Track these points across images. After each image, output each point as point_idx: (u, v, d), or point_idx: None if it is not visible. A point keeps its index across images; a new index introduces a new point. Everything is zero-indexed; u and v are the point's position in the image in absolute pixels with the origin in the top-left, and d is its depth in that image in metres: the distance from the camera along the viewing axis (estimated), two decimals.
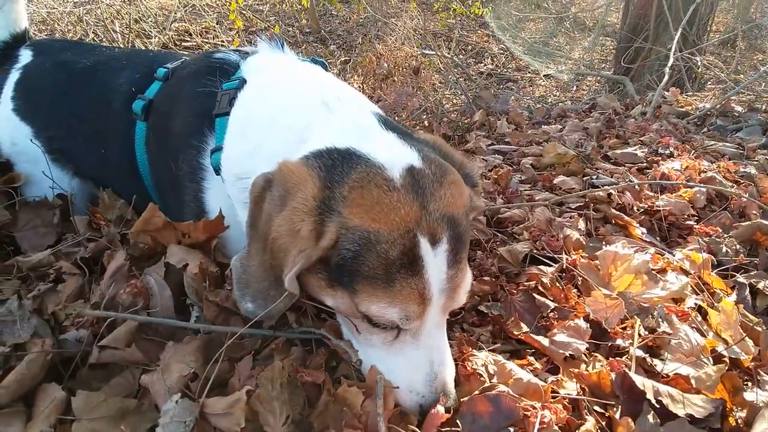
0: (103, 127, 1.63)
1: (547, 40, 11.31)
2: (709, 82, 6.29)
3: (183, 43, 6.93)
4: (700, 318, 1.53)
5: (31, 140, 1.68)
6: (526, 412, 1.03)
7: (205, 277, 1.23)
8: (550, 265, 1.72)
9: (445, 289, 1.01)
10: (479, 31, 10.44)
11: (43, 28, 5.99)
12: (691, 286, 1.64)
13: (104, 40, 5.93)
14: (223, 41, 7.10)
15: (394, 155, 1.07)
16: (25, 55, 1.80)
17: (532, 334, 1.34)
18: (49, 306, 1.22)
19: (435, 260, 0.99)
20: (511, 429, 1.03)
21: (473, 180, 1.22)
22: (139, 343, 1.11)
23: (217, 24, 7.57)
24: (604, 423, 1.09)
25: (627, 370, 1.17)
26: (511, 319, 1.39)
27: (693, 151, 2.92)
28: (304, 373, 1.07)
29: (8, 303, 1.19)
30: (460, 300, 1.07)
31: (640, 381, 1.13)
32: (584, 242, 1.89)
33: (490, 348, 1.31)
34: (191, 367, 1.02)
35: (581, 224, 2.02)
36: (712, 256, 1.87)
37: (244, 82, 1.38)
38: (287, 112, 1.25)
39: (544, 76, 8.91)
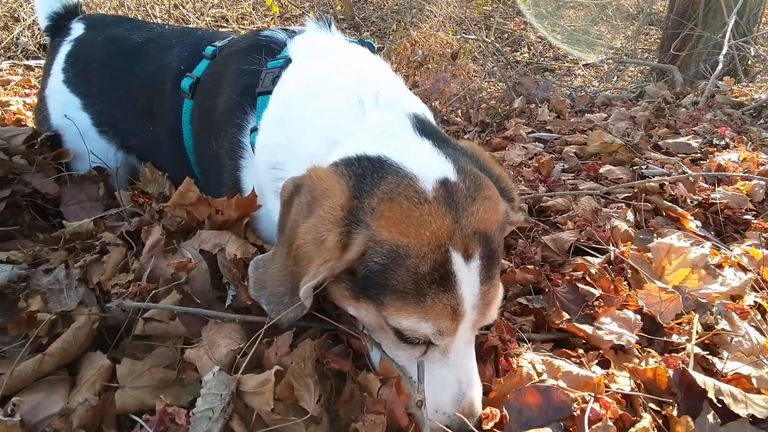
0: (152, 104, 1.63)
1: (587, 28, 10.91)
2: (760, 73, 5.94)
3: (220, 29, 6.99)
4: (759, 317, 1.44)
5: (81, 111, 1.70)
6: (576, 405, 0.98)
7: (239, 268, 1.19)
8: (596, 257, 1.65)
9: (477, 305, 0.96)
10: (516, 18, 10.17)
11: (86, 11, 6.14)
12: (752, 283, 1.54)
13: None
14: (258, 27, 7.13)
15: (428, 166, 1.01)
16: (77, 28, 1.81)
17: (575, 323, 1.27)
18: (95, 276, 1.24)
19: (467, 276, 0.94)
20: (561, 423, 0.99)
21: (510, 195, 1.15)
22: (181, 316, 1.11)
23: (253, 10, 7.61)
24: (660, 421, 1.03)
25: (685, 367, 1.10)
26: (552, 310, 1.33)
27: (750, 142, 2.76)
28: (331, 360, 1.04)
29: (55, 272, 1.21)
30: (491, 317, 1.02)
31: (701, 379, 1.06)
32: (633, 234, 1.80)
33: (531, 337, 1.26)
34: (238, 343, 1.01)
35: (629, 215, 1.93)
36: None
37: (289, 61, 1.35)
38: (323, 107, 1.20)
39: (583, 66, 8.60)
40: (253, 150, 1.29)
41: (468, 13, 8.77)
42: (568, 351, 1.23)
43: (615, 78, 8.09)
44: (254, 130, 1.29)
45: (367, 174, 0.99)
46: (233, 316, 1.08)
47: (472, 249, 0.94)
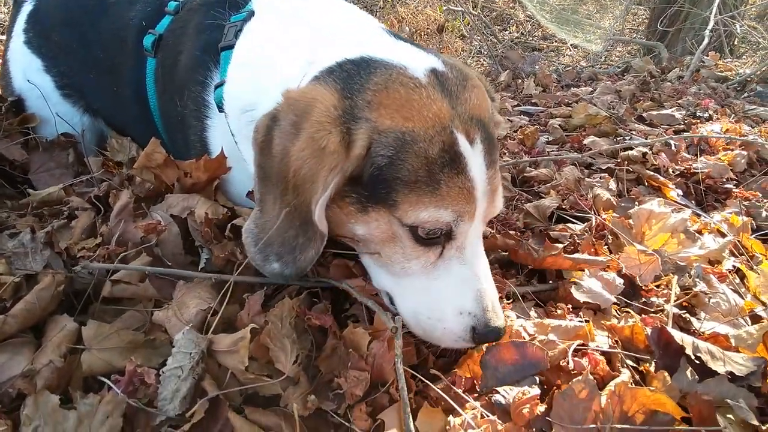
0: (115, 63, 1.56)
1: (576, 8, 10.83)
2: (747, 51, 5.96)
3: None
4: (738, 280, 1.45)
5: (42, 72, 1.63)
6: (559, 360, 0.97)
7: (211, 227, 1.16)
8: (578, 224, 1.64)
9: (486, 191, 0.95)
10: None
11: None
12: (730, 248, 1.55)
13: None
14: None
15: (414, 58, 1.00)
16: None
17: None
18: (62, 241, 1.19)
19: (475, 159, 0.92)
20: (537, 378, 0.98)
21: (491, 94, 1.14)
22: (151, 278, 1.07)
23: None
24: (637, 377, 1.03)
25: (663, 325, 1.10)
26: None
27: (733, 115, 2.76)
28: (312, 316, 1.01)
29: (21, 236, 1.16)
30: (498, 205, 1.01)
31: (679, 336, 1.06)
32: (615, 202, 1.80)
33: (520, 288, 1.25)
34: (208, 303, 0.98)
35: (612, 184, 1.93)
36: (752, 220, 1.77)
37: (251, 14, 1.30)
38: (292, 37, 1.17)
39: (571, 45, 8.56)
40: (219, 108, 1.24)
41: None
42: (553, 307, 1.22)
43: (603, 58, 8.07)
44: (219, 85, 1.23)
45: (353, 74, 0.96)
46: (203, 276, 1.05)
47: (473, 133, 0.93)
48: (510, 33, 8.98)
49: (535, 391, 0.94)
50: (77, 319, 1.02)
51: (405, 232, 0.94)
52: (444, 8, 6.11)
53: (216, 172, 1.23)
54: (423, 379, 0.97)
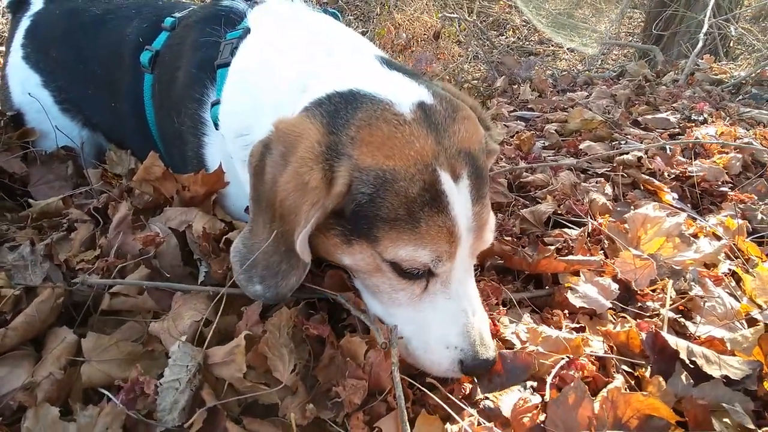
0: (113, 78, 1.58)
1: (571, 12, 10.89)
2: (742, 54, 5.99)
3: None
4: (734, 283, 1.46)
5: (41, 88, 1.65)
6: (552, 368, 0.98)
7: (209, 241, 1.17)
8: (574, 229, 1.65)
9: (472, 227, 0.94)
10: (501, 2, 10.11)
11: None
12: (725, 252, 1.56)
13: None
14: None
15: (402, 92, 0.99)
16: (36, 3, 1.76)
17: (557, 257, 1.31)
18: (62, 254, 1.20)
19: (458, 197, 0.91)
20: (532, 383, 0.99)
21: (486, 123, 1.13)
22: (150, 291, 1.08)
23: None
24: (633, 382, 1.04)
25: (658, 329, 1.11)
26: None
27: (728, 118, 2.78)
28: (310, 326, 1.02)
29: (20, 248, 1.17)
30: (487, 239, 1.00)
31: (673, 340, 1.07)
32: (611, 207, 1.81)
33: (516, 294, 1.26)
34: (202, 314, 0.99)
35: (608, 189, 1.94)
36: (747, 223, 1.79)
37: (247, 31, 1.31)
38: (286, 61, 1.17)
39: (567, 49, 8.60)
40: (215, 126, 1.25)
41: None
42: (549, 313, 1.23)
43: (599, 62, 8.11)
44: (215, 104, 1.25)
45: (340, 108, 0.96)
46: (200, 288, 1.06)
47: (459, 168, 0.92)
48: (507, 38, 9.03)
49: (536, 399, 0.95)
50: (77, 330, 1.03)
51: (387, 266, 0.95)
52: (440, 15, 6.15)
53: (214, 186, 1.24)
54: (420, 387, 0.97)
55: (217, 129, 1.25)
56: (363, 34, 7.29)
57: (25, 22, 1.72)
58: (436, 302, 0.97)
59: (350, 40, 1.28)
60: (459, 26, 6.40)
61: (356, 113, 0.94)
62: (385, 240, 0.91)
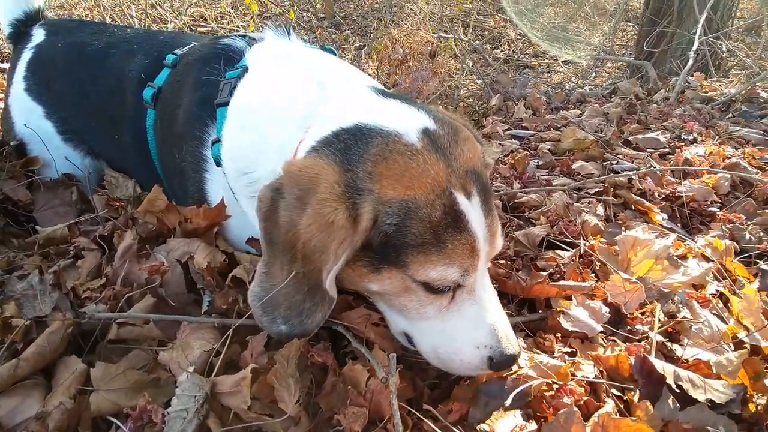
0: (115, 112, 1.62)
1: (566, 25, 11.05)
2: (734, 68, 6.10)
3: (198, 29, 6.92)
4: (721, 305, 1.50)
5: (44, 119, 1.69)
6: (545, 392, 1.02)
7: (213, 275, 1.21)
8: (567, 250, 1.70)
9: (487, 237, 1.02)
10: (496, 16, 10.26)
11: (61, 12, 6.03)
12: (713, 273, 1.60)
13: (121, 24, 5.96)
14: (237, 26, 7.08)
15: (406, 121, 1.06)
16: (38, 35, 1.79)
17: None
18: (69, 281, 1.24)
19: (474, 213, 0.99)
20: (527, 410, 1.03)
21: (479, 139, 1.22)
22: (156, 320, 1.12)
23: (232, 9, 7.55)
24: (622, 406, 1.08)
25: (646, 355, 1.15)
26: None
27: (717, 136, 2.85)
28: (314, 354, 1.06)
29: (29, 278, 1.21)
30: (498, 245, 1.08)
31: (660, 365, 1.11)
32: (603, 228, 1.85)
33: (511, 318, 1.30)
34: (211, 344, 1.03)
35: (600, 209, 1.98)
36: (735, 243, 1.83)
37: (245, 70, 1.35)
38: (284, 100, 1.22)
39: (562, 62, 8.73)
40: (216, 163, 1.29)
41: (448, 11, 8.82)
42: (542, 337, 1.27)
43: (593, 74, 8.23)
44: (216, 141, 1.29)
45: (350, 145, 1.01)
46: (208, 320, 1.10)
47: (469, 187, 1.00)
48: (502, 51, 9.15)
49: (532, 426, 0.99)
50: (84, 359, 1.06)
51: (418, 286, 1.01)
52: (435, 34, 6.24)
53: (215, 219, 1.29)
54: (417, 413, 1.01)
55: (218, 166, 1.29)
56: (360, 48, 7.40)
57: (27, 54, 1.75)
58: (463, 309, 1.05)
59: (345, 74, 1.32)
60: (455, 43, 6.49)
61: (368, 148, 0.99)
62: (415, 264, 0.97)
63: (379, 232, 0.96)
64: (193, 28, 6.85)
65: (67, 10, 6.08)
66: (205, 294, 1.17)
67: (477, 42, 7.45)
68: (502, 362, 1.02)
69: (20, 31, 1.83)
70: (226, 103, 1.29)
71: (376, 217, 0.95)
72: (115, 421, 0.95)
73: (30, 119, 1.71)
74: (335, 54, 1.52)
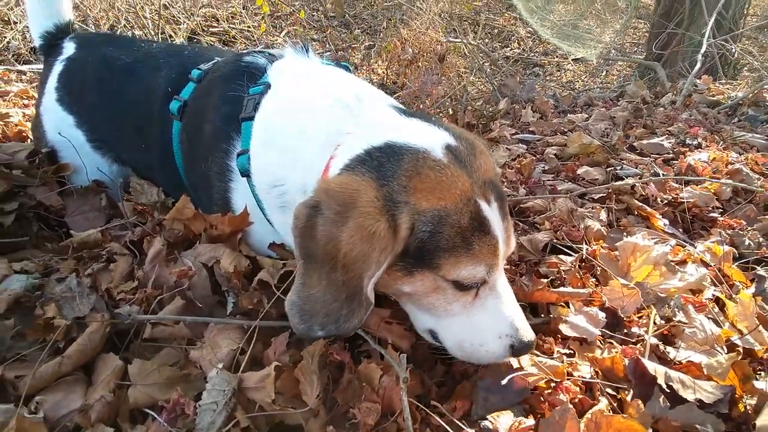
0: (142, 124, 1.72)
1: (576, 22, 11.02)
2: (744, 70, 6.08)
3: (210, 29, 7.04)
4: (717, 309, 1.56)
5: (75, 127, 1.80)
6: (544, 390, 1.10)
7: (239, 278, 1.31)
8: (570, 255, 1.77)
9: (504, 238, 1.15)
10: (506, 14, 10.27)
11: (76, 14, 6.16)
12: (710, 278, 1.67)
13: (135, 26, 6.08)
14: (249, 27, 7.18)
15: (431, 138, 1.18)
16: (69, 48, 1.89)
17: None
18: (103, 284, 1.34)
19: (494, 217, 1.12)
20: (525, 406, 1.11)
21: (489, 151, 1.34)
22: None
23: (243, 9, 7.64)
24: (615, 404, 1.16)
25: (639, 356, 1.23)
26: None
27: (722, 142, 2.89)
28: (333, 352, 1.16)
29: (68, 281, 1.32)
30: (513, 245, 1.21)
31: (652, 367, 1.18)
32: (605, 233, 1.92)
33: None
34: (237, 343, 1.12)
35: (603, 215, 2.05)
36: (734, 249, 1.89)
37: (268, 86, 1.44)
38: (312, 118, 1.31)
39: (572, 60, 8.72)
40: (240, 174, 1.38)
41: (458, 10, 8.85)
42: (542, 340, 1.35)
43: (604, 72, 8.22)
44: (241, 153, 1.38)
45: (383, 162, 1.12)
46: (235, 322, 1.19)
47: (488, 195, 1.14)
48: (512, 49, 9.16)
49: (530, 422, 1.07)
50: (121, 356, 1.17)
51: (448, 284, 1.12)
52: (444, 39, 6.29)
53: (239, 226, 1.39)
54: (425, 409, 1.10)
55: (242, 176, 1.38)
56: (369, 48, 7.46)
57: (58, 67, 1.85)
58: (486, 304, 1.17)
59: (366, 93, 1.41)
60: (464, 46, 6.54)
61: (401, 164, 1.11)
62: (447, 265, 1.09)
63: (415, 239, 1.07)
64: (206, 29, 6.97)
65: (81, 12, 6.20)
66: (230, 296, 1.27)
67: (486, 41, 7.47)
68: (521, 348, 1.15)
69: (51, 44, 1.93)
70: (251, 118, 1.38)
71: (413, 225, 1.06)
72: (151, 412, 1.04)
73: (62, 128, 1.81)
74: (350, 70, 1.62)
